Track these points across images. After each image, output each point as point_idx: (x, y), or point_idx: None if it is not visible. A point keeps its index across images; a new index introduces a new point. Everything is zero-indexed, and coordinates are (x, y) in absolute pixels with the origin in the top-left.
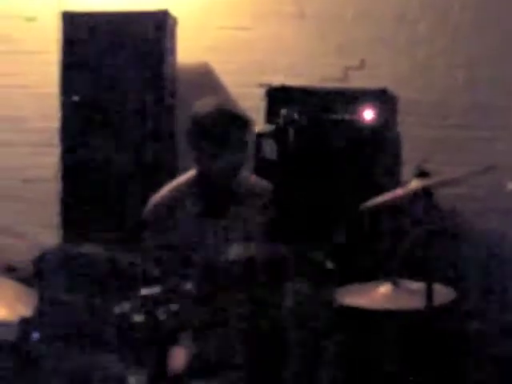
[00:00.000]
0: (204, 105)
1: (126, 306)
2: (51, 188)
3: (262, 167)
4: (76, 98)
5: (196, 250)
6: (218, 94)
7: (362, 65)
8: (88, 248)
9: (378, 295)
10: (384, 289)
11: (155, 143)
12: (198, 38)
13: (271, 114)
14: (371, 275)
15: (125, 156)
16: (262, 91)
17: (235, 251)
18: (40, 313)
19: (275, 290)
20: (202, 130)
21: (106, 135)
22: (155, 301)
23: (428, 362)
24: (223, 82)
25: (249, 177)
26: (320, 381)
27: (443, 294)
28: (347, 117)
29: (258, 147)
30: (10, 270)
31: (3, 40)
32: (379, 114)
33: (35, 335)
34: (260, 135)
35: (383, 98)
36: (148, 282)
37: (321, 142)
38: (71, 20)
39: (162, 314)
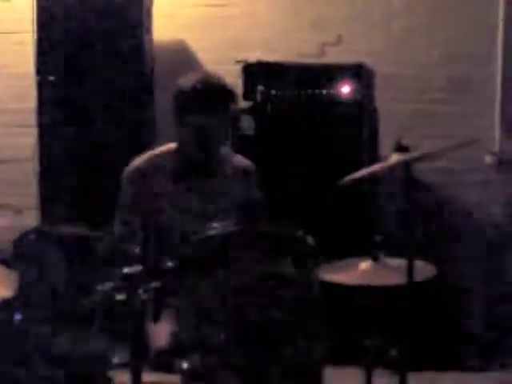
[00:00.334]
0: (189, 79)
1: (107, 285)
2: (27, 169)
3: (240, 143)
4: (52, 78)
5: (172, 222)
6: (196, 71)
7: (338, 40)
8: (67, 228)
9: (359, 271)
10: (364, 265)
11: (135, 122)
12: (172, 15)
13: (248, 91)
14: (352, 251)
15: (103, 134)
16: (238, 68)
17: (213, 228)
18: (21, 294)
19: (252, 267)
20: (188, 101)
21: (83, 114)
22: (137, 279)
23: (408, 337)
24: (199, 59)
25: (231, 153)
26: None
27: (424, 270)
28: (324, 92)
29: (236, 123)
30: None
31: None
32: (356, 89)
33: (17, 317)
34: (237, 111)
35: (360, 73)
36: (129, 260)
37: (298, 117)
38: None
39: (143, 293)
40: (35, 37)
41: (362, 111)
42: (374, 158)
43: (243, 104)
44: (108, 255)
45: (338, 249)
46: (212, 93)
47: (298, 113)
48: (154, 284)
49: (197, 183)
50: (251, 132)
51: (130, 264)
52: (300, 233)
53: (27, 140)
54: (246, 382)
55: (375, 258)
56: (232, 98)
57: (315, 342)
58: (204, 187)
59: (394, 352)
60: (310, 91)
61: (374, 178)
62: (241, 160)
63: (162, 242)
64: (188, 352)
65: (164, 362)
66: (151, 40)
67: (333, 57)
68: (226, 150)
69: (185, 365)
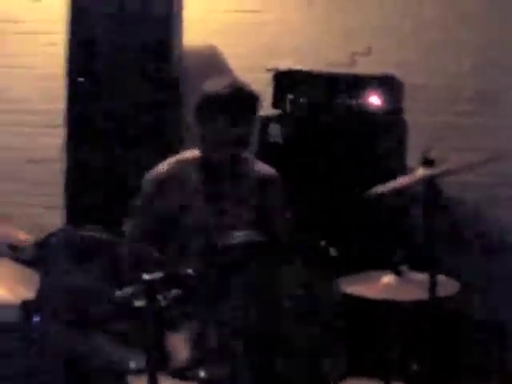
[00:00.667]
0: (216, 82)
1: (127, 291)
2: (55, 169)
3: (267, 151)
4: (81, 79)
5: (194, 231)
6: (223, 77)
7: (368, 50)
8: (90, 231)
9: (381, 285)
10: (387, 278)
11: (162, 124)
12: (204, 20)
13: (277, 99)
14: (375, 264)
15: (130, 135)
16: (268, 75)
17: (237, 236)
18: (41, 296)
19: (275, 276)
20: (212, 105)
21: (110, 115)
22: (157, 286)
23: (430, 352)
24: (230, 65)
25: (255, 161)
26: (320, 369)
27: (447, 285)
28: (353, 102)
29: (264, 131)
30: (14, 251)
31: (9, 20)
32: (385, 100)
33: (36, 318)
34: (266, 119)
35: (390, 84)
36: (150, 266)
37: (326, 127)
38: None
39: (163, 300)
40: (66, 38)
41: (391, 122)
42: (402, 170)
43: (272, 112)
44: (130, 260)
45: (361, 261)
46: (237, 97)
47: (327, 122)
48: (174, 291)
49: (218, 192)
50: (279, 140)
51: (150, 270)
52: (323, 243)
53: (55, 140)
54: None
55: (398, 272)
56: (257, 104)
57: (336, 355)
58: (225, 196)
59: (414, 366)
60: (339, 101)
61: (399, 192)
62: (265, 168)
63: (182, 250)
64: (206, 361)
65: (182, 370)
66: (181, 43)
67: (363, 67)
68: (248, 156)
69: (202, 373)
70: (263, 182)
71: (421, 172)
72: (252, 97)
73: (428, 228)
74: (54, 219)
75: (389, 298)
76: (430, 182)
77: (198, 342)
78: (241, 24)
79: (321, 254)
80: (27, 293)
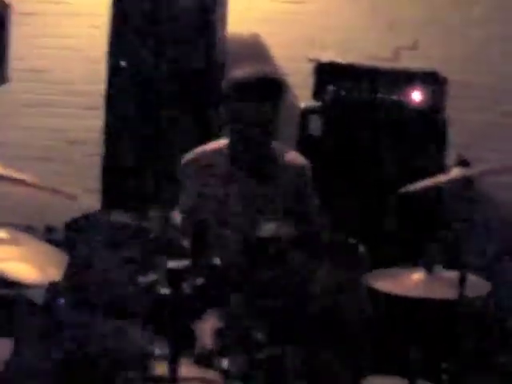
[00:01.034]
0: (243, 69)
1: (151, 277)
2: (93, 152)
3: (306, 143)
4: (123, 63)
5: (222, 220)
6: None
7: (414, 45)
8: (119, 216)
9: (410, 281)
10: (417, 275)
11: (202, 109)
12: (249, 8)
13: (318, 90)
14: (406, 261)
15: (169, 120)
16: (310, 66)
17: (267, 228)
18: (68, 278)
19: (303, 270)
20: (239, 90)
21: (150, 100)
22: (182, 274)
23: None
24: (272, 54)
25: (286, 150)
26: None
27: (478, 285)
28: (395, 97)
29: (304, 123)
30: (49, 232)
31: (54, 2)
32: (428, 97)
33: (61, 301)
34: (306, 111)
35: (433, 81)
36: (176, 253)
37: (367, 121)
38: None
39: (187, 288)
40: (109, 20)
41: (432, 119)
42: (441, 168)
43: (312, 104)
44: (157, 246)
45: (393, 257)
46: (261, 82)
47: (367, 116)
48: (200, 280)
49: (246, 182)
50: (318, 132)
51: (177, 257)
52: (352, 240)
53: (95, 122)
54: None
55: (429, 269)
56: (281, 91)
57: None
58: (253, 187)
59: (444, 365)
60: (380, 95)
61: (434, 190)
62: (296, 157)
63: (210, 240)
64: (231, 351)
65: (206, 357)
66: (225, 30)
67: (407, 61)
68: (278, 145)
69: (225, 363)
70: (293, 170)
71: (455, 172)
72: (277, 83)
73: (460, 226)
74: (91, 202)
75: (416, 296)
76: (464, 182)
77: (221, 332)
78: (285, 14)
79: (350, 251)
80: (57, 274)
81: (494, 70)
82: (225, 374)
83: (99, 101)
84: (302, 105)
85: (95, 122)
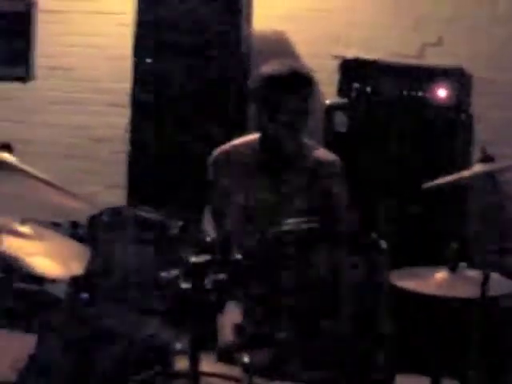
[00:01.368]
0: (271, 64)
1: (173, 272)
2: (118, 148)
3: (332, 139)
4: (149, 61)
5: (249, 214)
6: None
7: (439, 42)
8: (143, 211)
9: (434, 280)
10: (441, 274)
11: (226, 107)
12: (274, 6)
13: (343, 87)
14: (430, 259)
15: (194, 119)
16: (335, 63)
17: (289, 224)
18: (90, 273)
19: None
20: (269, 83)
21: (175, 98)
22: (204, 269)
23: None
24: (297, 51)
25: (316, 147)
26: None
27: (500, 284)
28: (420, 94)
29: (329, 119)
30: (74, 227)
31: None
32: (453, 93)
33: (84, 296)
34: (331, 107)
35: (458, 77)
36: (198, 249)
37: (392, 117)
38: None
39: (209, 283)
40: (134, 18)
41: (457, 116)
42: (467, 164)
43: (337, 100)
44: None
45: (416, 255)
46: (290, 77)
47: (392, 113)
48: (221, 275)
49: (274, 177)
50: (344, 129)
51: (199, 252)
52: (374, 236)
53: (120, 120)
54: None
55: (453, 268)
56: (310, 86)
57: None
58: (281, 182)
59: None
60: (405, 92)
61: (457, 186)
62: (325, 153)
63: (233, 235)
64: (252, 346)
65: (228, 352)
66: (250, 26)
67: (432, 58)
68: (307, 142)
69: (246, 359)
70: (322, 167)
71: (478, 167)
72: (307, 77)
73: (482, 224)
74: (116, 198)
75: (440, 294)
76: (487, 178)
77: (241, 328)
78: (310, 11)
79: (372, 246)
80: (79, 269)
81: None
82: (245, 368)
83: (125, 99)
84: (328, 101)
85: (121, 119)
